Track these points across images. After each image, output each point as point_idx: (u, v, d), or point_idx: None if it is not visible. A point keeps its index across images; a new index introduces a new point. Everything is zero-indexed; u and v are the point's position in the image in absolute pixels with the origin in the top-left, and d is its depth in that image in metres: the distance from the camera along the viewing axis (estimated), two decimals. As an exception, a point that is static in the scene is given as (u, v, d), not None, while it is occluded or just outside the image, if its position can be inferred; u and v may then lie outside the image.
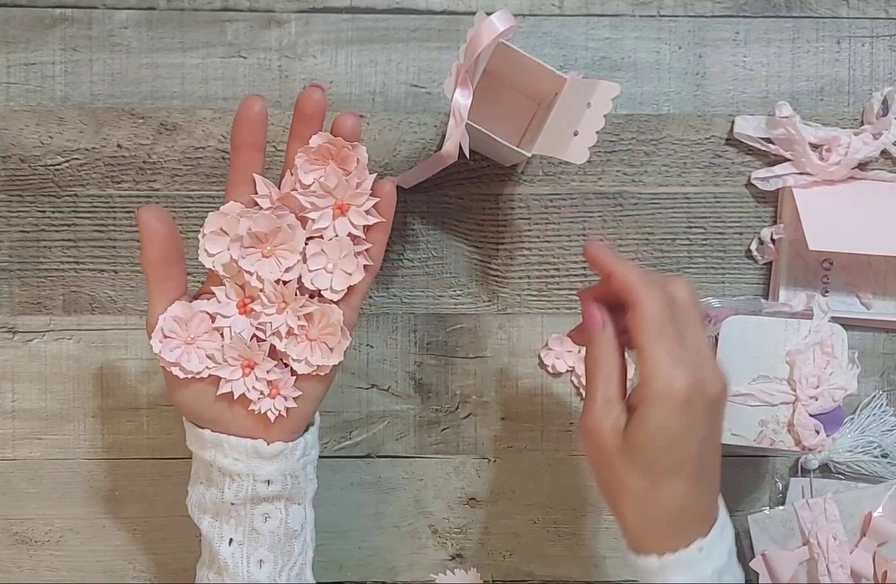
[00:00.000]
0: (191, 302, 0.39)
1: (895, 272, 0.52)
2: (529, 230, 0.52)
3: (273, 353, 0.40)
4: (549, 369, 0.53)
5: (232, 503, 0.39)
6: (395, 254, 0.52)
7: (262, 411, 0.39)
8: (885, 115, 0.52)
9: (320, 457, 0.52)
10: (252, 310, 0.39)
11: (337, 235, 0.39)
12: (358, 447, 0.52)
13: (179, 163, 0.51)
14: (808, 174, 0.52)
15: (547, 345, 0.52)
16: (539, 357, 0.53)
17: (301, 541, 0.42)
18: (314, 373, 0.40)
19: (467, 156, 0.46)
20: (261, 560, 0.40)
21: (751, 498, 0.54)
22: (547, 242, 0.52)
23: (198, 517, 0.41)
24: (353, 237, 0.40)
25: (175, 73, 0.51)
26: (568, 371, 0.53)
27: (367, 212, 0.39)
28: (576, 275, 0.53)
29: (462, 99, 0.42)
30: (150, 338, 0.38)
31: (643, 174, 0.53)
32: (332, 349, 0.40)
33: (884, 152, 0.52)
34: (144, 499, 0.52)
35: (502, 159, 0.51)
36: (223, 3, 0.51)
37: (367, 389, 0.52)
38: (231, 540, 0.40)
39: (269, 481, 0.40)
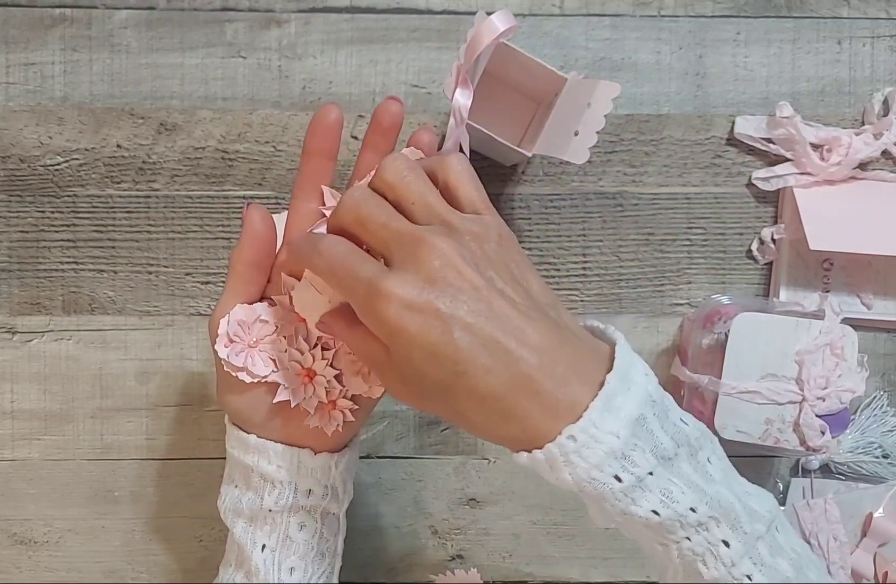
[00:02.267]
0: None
1: (896, 273, 0.53)
2: (530, 230, 0.52)
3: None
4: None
5: (270, 510, 0.39)
6: (395, 254, 0.52)
7: (319, 426, 0.39)
8: (885, 115, 0.52)
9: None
10: None
11: None
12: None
13: (179, 163, 0.51)
14: (809, 174, 0.51)
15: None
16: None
17: (332, 551, 0.42)
18: (366, 394, 0.39)
19: (467, 156, 0.46)
20: (292, 568, 0.40)
21: (751, 499, 0.54)
22: (547, 242, 0.52)
23: (231, 520, 0.40)
24: None
25: (175, 73, 0.51)
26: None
27: None
28: (576, 275, 0.53)
29: (462, 99, 0.42)
30: (211, 336, 0.37)
31: (644, 174, 0.52)
32: None
33: (884, 152, 0.52)
34: (144, 500, 0.52)
35: (503, 159, 0.51)
36: (223, 3, 0.51)
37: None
38: (264, 546, 0.39)
39: (310, 491, 0.39)
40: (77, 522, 0.52)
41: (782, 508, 0.52)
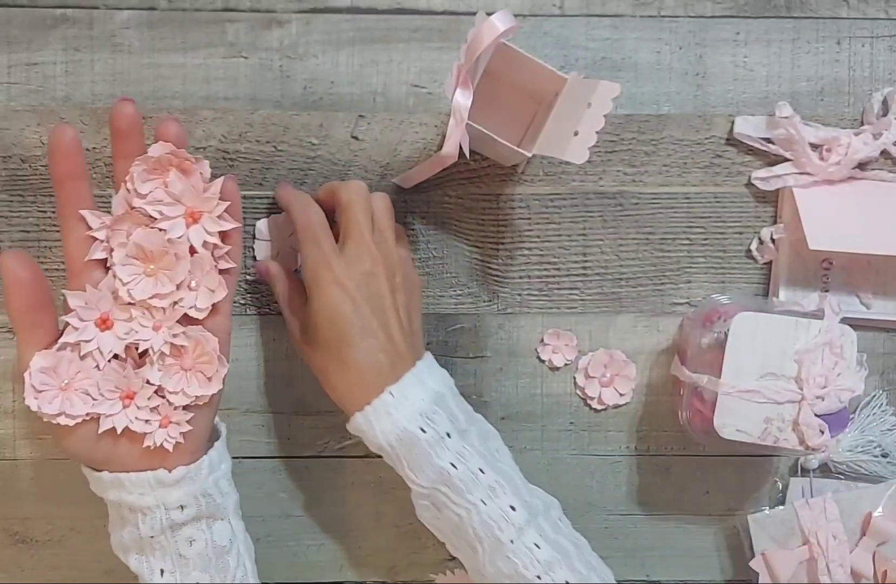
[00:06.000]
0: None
1: (895, 272, 0.53)
2: (530, 230, 0.53)
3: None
4: (547, 363, 0.53)
5: (151, 536, 0.39)
6: (396, 254, 0.52)
7: (159, 444, 0.39)
8: (884, 115, 0.52)
9: (320, 457, 0.52)
10: (113, 322, 0.38)
11: (192, 245, 0.39)
12: (358, 447, 0.52)
13: (180, 163, 0.51)
14: (808, 174, 0.52)
15: (543, 340, 0.52)
16: (536, 352, 0.53)
17: (234, 554, 0.42)
18: (193, 403, 0.39)
19: (468, 156, 0.46)
20: (197, 582, 0.40)
21: (751, 498, 0.54)
22: (547, 241, 0.53)
23: (125, 557, 0.41)
24: (210, 245, 0.39)
25: (176, 74, 0.51)
26: (566, 365, 0.53)
27: (219, 217, 0.39)
28: (576, 275, 0.53)
29: (462, 99, 0.42)
30: (23, 391, 0.37)
31: (643, 174, 0.53)
32: (210, 378, 0.39)
33: (884, 152, 0.52)
34: (145, 499, 0.52)
35: (503, 159, 0.51)
36: (224, 4, 0.51)
37: (367, 388, 0.52)
38: (162, 571, 0.40)
39: (181, 507, 0.39)
40: (79, 521, 0.52)
41: (781, 507, 0.52)
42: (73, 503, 0.52)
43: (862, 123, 0.53)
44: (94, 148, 0.51)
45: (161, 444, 0.39)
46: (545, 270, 0.53)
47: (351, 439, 0.52)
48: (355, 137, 0.51)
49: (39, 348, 0.37)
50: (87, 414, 0.38)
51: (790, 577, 0.51)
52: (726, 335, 0.46)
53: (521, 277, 0.53)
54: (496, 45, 0.43)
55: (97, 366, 0.38)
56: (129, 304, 0.38)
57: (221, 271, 0.40)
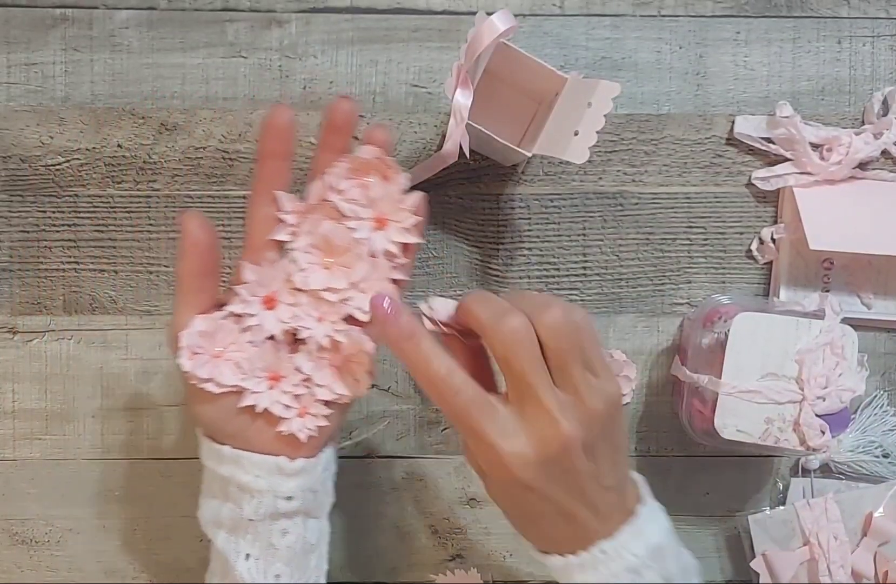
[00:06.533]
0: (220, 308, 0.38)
1: (896, 272, 0.53)
2: (529, 230, 0.52)
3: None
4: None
5: (250, 519, 0.39)
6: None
7: (293, 431, 0.38)
8: (885, 114, 0.52)
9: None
10: (278, 304, 0.38)
11: (372, 249, 0.39)
12: (358, 447, 0.52)
13: (180, 163, 0.51)
14: (809, 174, 0.52)
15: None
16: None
17: (317, 554, 0.41)
18: (335, 400, 0.39)
19: (467, 156, 0.46)
20: (277, 575, 0.39)
21: (752, 498, 0.54)
22: (547, 241, 0.52)
23: (212, 531, 0.40)
24: (389, 254, 0.39)
25: (176, 73, 0.51)
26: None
27: (405, 229, 0.39)
28: (576, 275, 0.53)
29: (462, 99, 0.42)
30: (172, 350, 0.37)
31: (644, 174, 0.53)
32: (357, 380, 0.39)
33: (884, 152, 0.52)
34: (144, 499, 0.52)
35: (503, 159, 0.51)
36: (224, 3, 0.51)
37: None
38: (248, 555, 0.39)
39: (290, 498, 0.39)
40: (78, 521, 0.52)
41: (782, 508, 0.52)
42: (73, 503, 0.52)
43: (863, 123, 0.53)
44: (93, 148, 0.51)
45: (294, 432, 0.39)
46: (545, 270, 0.53)
47: (351, 439, 0.52)
48: (355, 137, 0.51)
49: (197, 312, 0.37)
50: (233, 386, 0.38)
51: (791, 578, 0.51)
52: (727, 336, 0.46)
53: (521, 278, 0.53)
54: (496, 45, 0.43)
55: (251, 342, 0.38)
56: (299, 290, 0.38)
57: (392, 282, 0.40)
